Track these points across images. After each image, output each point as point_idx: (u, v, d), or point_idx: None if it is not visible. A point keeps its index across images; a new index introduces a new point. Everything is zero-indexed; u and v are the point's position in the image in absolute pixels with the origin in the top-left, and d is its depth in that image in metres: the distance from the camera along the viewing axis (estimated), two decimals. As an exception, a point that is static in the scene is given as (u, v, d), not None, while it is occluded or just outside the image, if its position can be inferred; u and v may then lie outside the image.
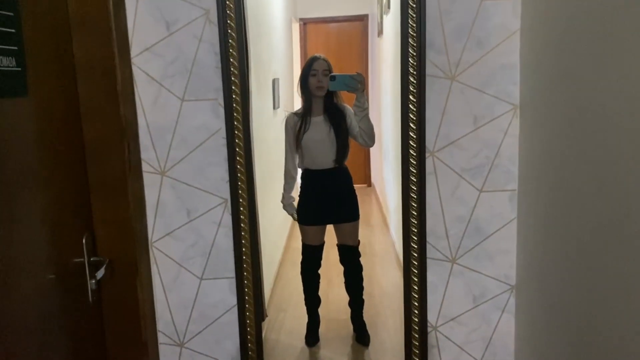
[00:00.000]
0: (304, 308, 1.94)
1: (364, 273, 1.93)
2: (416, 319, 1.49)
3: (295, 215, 1.91)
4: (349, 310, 1.94)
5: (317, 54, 1.82)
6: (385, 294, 2.10)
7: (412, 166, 1.42)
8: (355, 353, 1.89)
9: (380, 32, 2.11)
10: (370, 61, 2.15)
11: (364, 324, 1.89)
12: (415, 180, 1.42)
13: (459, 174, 1.46)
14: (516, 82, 1.41)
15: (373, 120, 1.78)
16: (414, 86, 1.37)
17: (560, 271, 1.25)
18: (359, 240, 1.93)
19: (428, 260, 1.48)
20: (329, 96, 1.83)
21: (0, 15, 1.03)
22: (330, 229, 1.95)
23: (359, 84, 1.68)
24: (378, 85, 2.12)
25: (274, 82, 1.90)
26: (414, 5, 1.33)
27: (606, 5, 0.99)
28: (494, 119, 1.43)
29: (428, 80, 1.39)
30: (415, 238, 1.45)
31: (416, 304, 1.48)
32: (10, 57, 1.05)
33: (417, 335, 1.49)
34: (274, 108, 1.89)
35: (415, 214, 1.44)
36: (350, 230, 1.93)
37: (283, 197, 1.89)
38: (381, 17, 2.10)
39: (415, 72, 1.37)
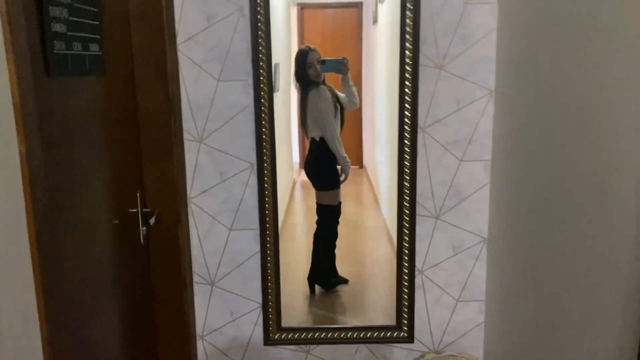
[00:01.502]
0: (302, 279, 2.06)
1: (357, 246, 2.14)
2: (406, 264, 1.82)
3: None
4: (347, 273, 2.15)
5: (304, 47, 1.97)
6: (375, 262, 2.33)
7: (406, 139, 1.73)
8: (350, 309, 2.09)
9: (375, 21, 2.30)
10: (364, 48, 2.37)
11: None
12: (408, 151, 1.74)
13: (444, 146, 1.77)
14: (492, 72, 1.71)
15: (366, 105, 2.02)
16: (409, 74, 1.68)
17: (524, 226, 1.54)
18: None
19: (417, 217, 1.80)
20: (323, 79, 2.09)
21: (90, 11, 1.32)
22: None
23: (344, 67, 1.96)
24: (372, 71, 2.34)
25: (275, 66, 1.97)
26: (411, 7, 1.63)
27: (567, 9, 1.25)
28: (473, 102, 1.74)
29: (421, 69, 1.69)
30: (408, 198, 1.77)
31: (406, 252, 1.81)
32: (96, 44, 1.34)
33: (406, 277, 1.82)
34: (275, 92, 1.99)
35: (408, 178, 1.76)
36: (338, 191, 2.12)
37: (347, 159, 2.06)
38: (376, 6, 2.30)
39: (410, 62, 1.67)
